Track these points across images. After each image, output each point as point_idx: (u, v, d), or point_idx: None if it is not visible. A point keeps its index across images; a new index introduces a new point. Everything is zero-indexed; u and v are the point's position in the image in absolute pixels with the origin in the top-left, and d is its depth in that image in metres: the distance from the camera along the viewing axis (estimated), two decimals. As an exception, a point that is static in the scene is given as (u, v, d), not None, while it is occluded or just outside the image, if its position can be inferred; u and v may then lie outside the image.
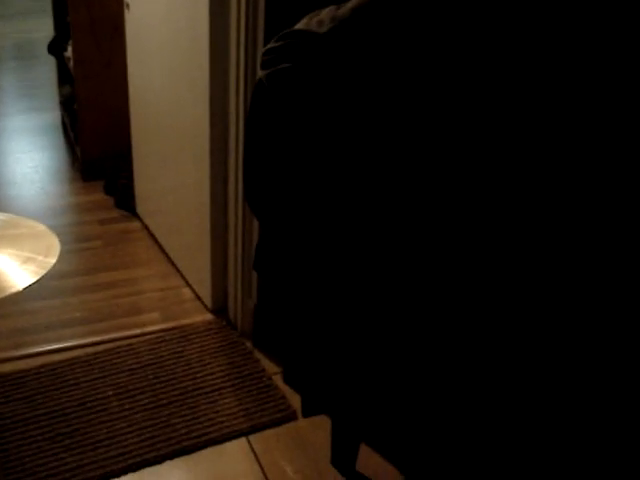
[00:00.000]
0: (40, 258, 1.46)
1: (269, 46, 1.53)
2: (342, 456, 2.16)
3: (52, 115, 4.92)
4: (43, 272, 1.43)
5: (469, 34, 1.31)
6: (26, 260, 1.44)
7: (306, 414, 1.94)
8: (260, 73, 1.53)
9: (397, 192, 1.43)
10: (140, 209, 3.64)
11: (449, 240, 1.41)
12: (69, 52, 3.87)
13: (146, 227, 3.57)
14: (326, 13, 1.46)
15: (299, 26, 1.50)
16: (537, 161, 1.31)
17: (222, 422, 2.32)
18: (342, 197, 1.49)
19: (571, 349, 1.36)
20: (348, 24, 1.43)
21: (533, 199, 1.32)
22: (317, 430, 2.30)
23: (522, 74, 1.30)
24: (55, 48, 4.29)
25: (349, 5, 1.43)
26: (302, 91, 1.47)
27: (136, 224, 3.63)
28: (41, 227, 1.66)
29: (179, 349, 2.66)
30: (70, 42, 3.79)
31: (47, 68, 5.03)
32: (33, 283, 1.44)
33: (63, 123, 4.72)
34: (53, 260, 1.46)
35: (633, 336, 1.32)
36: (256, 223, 2.53)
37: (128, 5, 3.15)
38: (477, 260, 1.39)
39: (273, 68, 1.49)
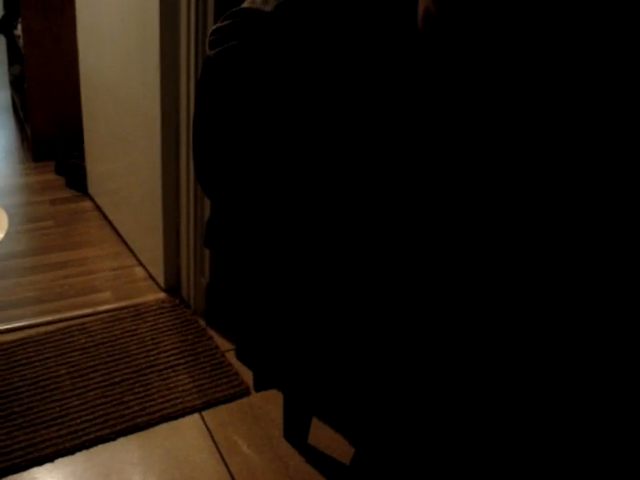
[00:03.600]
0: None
1: (216, 26, 1.54)
2: (294, 430, 2.20)
3: (1, 95, 4.85)
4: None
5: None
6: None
7: (258, 388, 1.96)
8: (208, 52, 1.54)
9: (341, 166, 1.45)
10: (92, 189, 3.62)
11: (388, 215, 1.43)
12: (19, 30, 3.82)
13: (98, 207, 3.55)
14: None
15: (245, 5, 1.52)
16: (530, 159, 1.34)
17: (175, 399, 2.34)
18: (290, 172, 1.51)
19: (569, 347, 1.39)
20: (292, 1, 1.45)
21: (528, 196, 1.35)
22: (270, 405, 2.33)
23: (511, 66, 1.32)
24: (4, 26, 4.23)
25: None
26: (250, 68, 1.49)
27: (88, 204, 3.62)
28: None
29: (132, 327, 2.66)
30: (19, 20, 3.74)
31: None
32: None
33: (13, 103, 4.66)
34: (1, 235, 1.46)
35: (632, 335, 1.35)
36: (208, 201, 2.54)
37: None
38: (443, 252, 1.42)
39: (221, 47, 1.50)
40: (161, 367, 2.48)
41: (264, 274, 1.70)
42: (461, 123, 1.36)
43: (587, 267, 1.35)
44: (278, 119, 1.48)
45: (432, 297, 1.45)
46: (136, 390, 2.36)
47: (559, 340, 1.39)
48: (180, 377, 2.44)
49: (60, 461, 2.10)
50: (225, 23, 1.52)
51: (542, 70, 1.32)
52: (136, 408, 2.29)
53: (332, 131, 1.44)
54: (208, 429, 2.24)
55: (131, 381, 2.40)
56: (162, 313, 2.76)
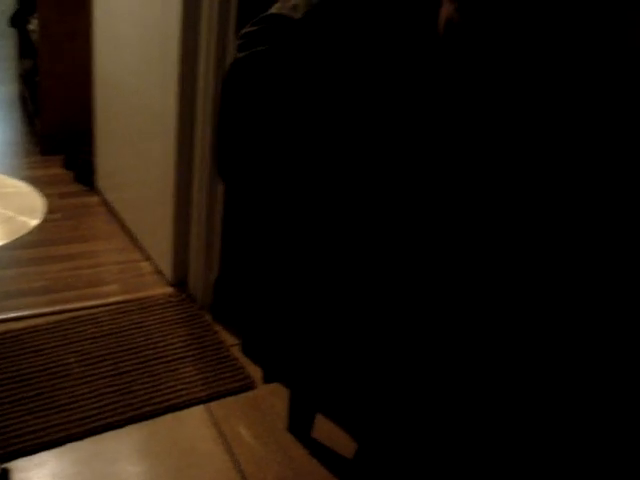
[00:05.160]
0: (22, 218, 1.51)
1: (245, 30, 1.59)
2: (298, 423, 2.25)
3: (10, 89, 4.89)
4: (24, 231, 1.48)
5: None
6: (7, 219, 1.49)
7: (267, 380, 2.02)
8: (237, 54, 1.59)
9: (363, 173, 1.51)
10: (100, 184, 3.67)
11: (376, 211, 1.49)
12: (33, 25, 3.88)
13: (106, 202, 3.60)
14: None
15: (273, 10, 1.57)
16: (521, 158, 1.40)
17: (182, 390, 2.39)
18: (312, 173, 1.56)
19: (568, 347, 1.43)
20: (322, 8, 1.51)
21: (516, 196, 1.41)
22: (275, 398, 2.38)
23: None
24: (18, 21, 4.28)
25: None
26: (278, 72, 1.54)
27: (96, 199, 3.67)
28: (27, 187, 1.71)
29: (139, 320, 2.71)
30: (35, 15, 3.80)
31: (3, 43, 4.99)
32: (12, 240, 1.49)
33: (22, 97, 4.70)
34: (35, 222, 1.51)
35: (630, 334, 1.39)
36: (220, 197, 2.60)
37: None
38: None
39: (249, 50, 1.56)
40: (168, 359, 2.53)
41: (273, 269, 1.75)
42: (473, 123, 1.43)
43: (585, 267, 1.40)
44: (302, 122, 1.54)
45: (432, 292, 1.50)
46: (143, 380, 2.41)
47: (557, 339, 1.44)
48: (186, 369, 2.49)
49: (69, 446, 2.14)
50: (254, 28, 1.57)
51: (550, 76, 1.38)
52: (143, 397, 2.34)
53: (354, 132, 1.50)
54: (214, 420, 2.29)
55: (139, 371, 2.45)
56: (169, 307, 2.81)
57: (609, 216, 1.38)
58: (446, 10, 1.39)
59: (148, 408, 2.31)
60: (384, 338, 1.59)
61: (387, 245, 1.51)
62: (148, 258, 3.15)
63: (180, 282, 2.95)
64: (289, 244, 1.68)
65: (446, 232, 1.47)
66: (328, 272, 1.63)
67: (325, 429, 2.26)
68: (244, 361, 2.52)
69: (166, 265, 2.97)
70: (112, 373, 2.43)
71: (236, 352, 2.59)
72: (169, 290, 2.94)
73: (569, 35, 1.38)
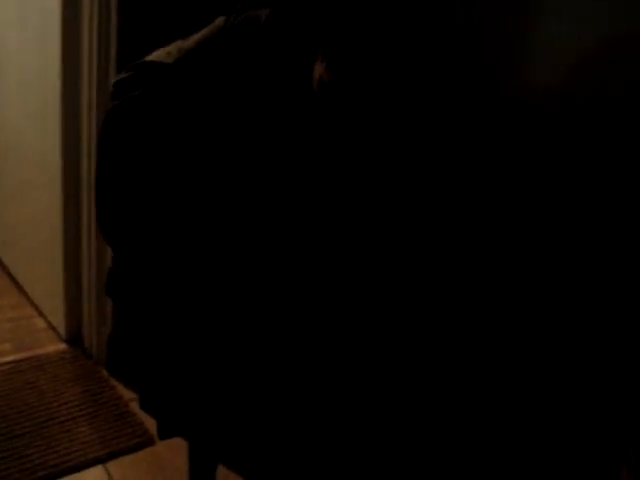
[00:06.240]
0: None
1: (118, 77, 1.58)
2: (200, 477, 2.21)
3: None
4: None
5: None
6: None
7: (162, 437, 1.97)
8: (110, 103, 1.57)
9: (255, 211, 1.52)
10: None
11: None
12: None
13: (-4, 258, 3.50)
14: (174, 46, 1.54)
15: (148, 58, 1.57)
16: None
17: (78, 450, 2.32)
18: (196, 218, 1.55)
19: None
20: (193, 55, 1.52)
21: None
22: (175, 454, 2.33)
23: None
24: None
25: (194, 38, 1.53)
26: (152, 116, 1.53)
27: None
28: None
29: (33, 379, 2.63)
30: None
31: None
32: None
33: None
34: None
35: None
36: (109, 250, 2.55)
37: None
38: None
39: (122, 98, 1.55)
40: (62, 419, 2.45)
41: (166, 323, 1.73)
42: (338, 173, 1.48)
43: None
44: (176, 168, 1.53)
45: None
46: (37, 443, 2.33)
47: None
48: (82, 428, 2.42)
49: (-42, 519, 2.05)
50: (128, 74, 1.56)
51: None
52: (38, 461, 2.26)
53: (226, 180, 1.51)
54: (112, 480, 2.23)
55: (32, 434, 2.36)
56: (63, 364, 2.74)
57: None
58: (318, 69, 1.42)
59: (43, 472, 2.22)
60: (281, 389, 1.59)
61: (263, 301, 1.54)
62: (41, 314, 3.06)
63: (75, 338, 2.88)
64: (179, 296, 1.66)
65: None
66: (221, 323, 1.62)
67: (228, 482, 2.23)
68: (143, 416, 2.47)
69: (59, 321, 2.89)
70: (4, 437, 2.33)
71: (135, 407, 2.53)
72: (63, 346, 2.86)
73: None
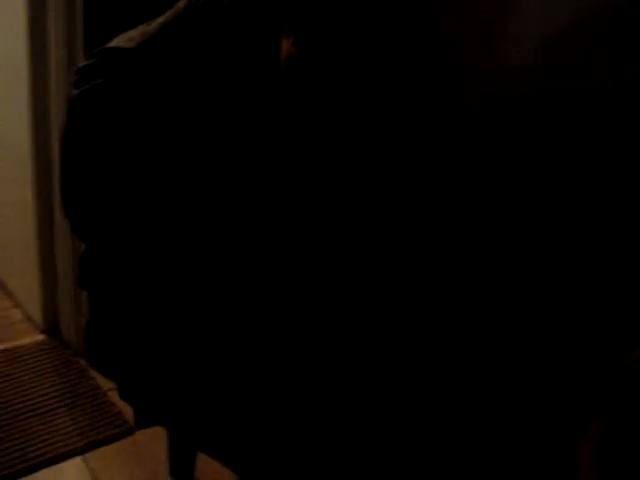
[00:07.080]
0: None
1: (80, 65, 1.54)
2: (180, 465, 2.19)
3: None
4: None
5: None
6: None
7: (140, 426, 1.96)
8: (73, 92, 1.54)
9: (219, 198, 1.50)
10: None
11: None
12: None
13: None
14: (136, 30, 1.51)
15: (110, 44, 1.53)
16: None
17: (57, 442, 2.30)
18: (168, 204, 1.53)
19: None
20: (157, 38, 1.48)
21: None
22: (154, 442, 2.32)
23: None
24: None
25: (158, 21, 1.49)
26: (116, 103, 1.50)
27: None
28: None
29: (10, 371, 2.60)
30: None
31: None
32: None
33: None
34: None
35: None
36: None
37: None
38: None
39: (86, 85, 1.51)
40: (41, 411, 2.43)
41: (139, 312, 1.71)
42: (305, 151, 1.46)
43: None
44: (141, 156, 1.50)
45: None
46: (15, 436, 2.31)
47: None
48: (61, 420, 2.39)
49: None
50: (90, 62, 1.53)
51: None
52: (16, 455, 2.23)
53: (193, 167, 1.48)
54: (92, 471, 2.21)
55: (9, 427, 2.34)
56: (41, 355, 2.71)
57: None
58: (285, 45, 1.40)
59: (22, 465, 2.20)
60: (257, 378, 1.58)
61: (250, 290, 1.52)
62: (18, 305, 3.03)
63: (53, 328, 2.85)
64: (150, 284, 1.64)
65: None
66: (194, 310, 1.60)
67: (209, 470, 2.21)
68: (122, 405, 2.45)
69: (36, 311, 2.86)
70: (-19, 431, 2.31)
71: (114, 397, 2.51)
72: (41, 337, 2.83)
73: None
